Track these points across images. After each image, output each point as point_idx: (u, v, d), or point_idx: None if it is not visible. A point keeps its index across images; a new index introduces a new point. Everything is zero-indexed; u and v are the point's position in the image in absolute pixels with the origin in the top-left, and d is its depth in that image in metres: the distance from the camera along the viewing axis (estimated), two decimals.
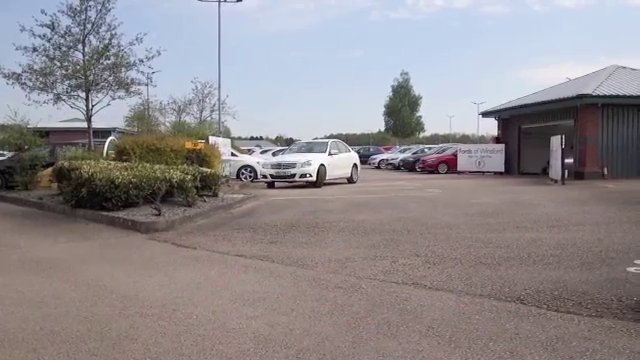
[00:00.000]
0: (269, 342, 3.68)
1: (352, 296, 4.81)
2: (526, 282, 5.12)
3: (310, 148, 20.70)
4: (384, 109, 79.41)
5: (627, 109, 21.79)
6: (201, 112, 47.82)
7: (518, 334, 3.77)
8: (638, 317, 4.07)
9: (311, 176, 18.23)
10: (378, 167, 38.88)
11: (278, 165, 18.91)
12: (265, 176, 18.93)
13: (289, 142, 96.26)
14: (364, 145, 63.83)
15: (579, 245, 6.92)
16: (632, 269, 5.55)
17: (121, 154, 14.58)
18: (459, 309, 4.39)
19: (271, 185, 18.82)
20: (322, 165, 18.58)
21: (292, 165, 18.42)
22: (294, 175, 18.28)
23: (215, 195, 12.55)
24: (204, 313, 4.35)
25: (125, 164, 11.97)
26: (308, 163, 18.40)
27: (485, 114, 30.94)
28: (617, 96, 21.48)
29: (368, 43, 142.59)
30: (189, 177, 10.99)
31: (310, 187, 17.79)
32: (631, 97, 21.59)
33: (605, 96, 21.35)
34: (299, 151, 20.40)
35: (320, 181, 18.30)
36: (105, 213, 9.61)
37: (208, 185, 12.40)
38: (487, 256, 6.36)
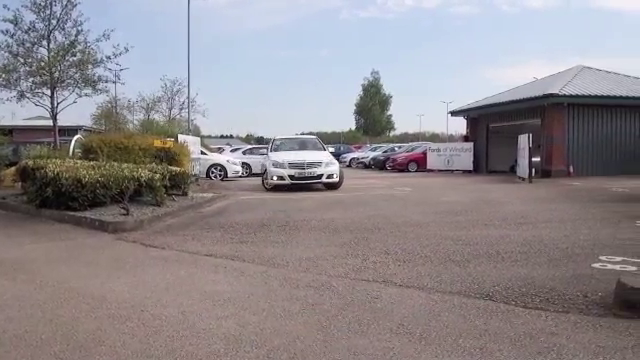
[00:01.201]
0: (240, 342, 3.65)
1: (323, 295, 4.80)
2: (495, 279, 5.18)
3: (303, 145, 18.47)
4: (355, 108, 79.84)
5: (592, 109, 22.26)
6: (170, 110, 47.31)
7: (487, 330, 3.81)
8: (603, 312, 4.14)
9: (335, 177, 16.07)
10: (349, 166, 38.98)
11: (300, 165, 15.71)
12: (281, 177, 15.69)
13: (259, 140, 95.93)
14: (335, 144, 63.94)
15: (546, 242, 7.03)
16: (597, 265, 5.66)
17: (88, 153, 14.31)
18: (429, 306, 4.41)
19: (277, 188, 15.84)
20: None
21: (317, 164, 15.84)
22: (321, 176, 15.75)
23: (184, 194, 12.42)
24: (173, 314, 4.30)
25: (92, 163, 11.76)
26: (332, 162, 16.34)
27: (454, 113, 31.30)
28: (582, 96, 21.92)
29: (338, 42, 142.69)
30: (158, 176, 10.85)
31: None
32: (596, 97, 22.05)
33: (571, 96, 21.77)
34: (292, 148, 17.68)
35: (341, 182, 16.31)
36: (71, 213, 9.43)
37: (177, 184, 12.28)
38: (456, 253, 6.42)
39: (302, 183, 15.60)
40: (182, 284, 5.31)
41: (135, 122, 43.53)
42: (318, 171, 15.67)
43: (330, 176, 15.84)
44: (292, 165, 15.72)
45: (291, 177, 15.54)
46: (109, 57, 17.16)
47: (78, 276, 5.68)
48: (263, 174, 18.25)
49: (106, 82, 18.32)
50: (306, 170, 15.60)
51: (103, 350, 3.56)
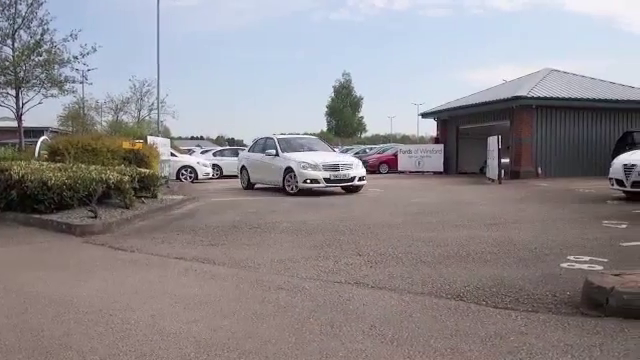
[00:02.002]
0: (210, 346, 3.60)
1: (295, 297, 4.78)
2: (465, 279, 5.22)
3: (311, 145, 17.32)
4: (326, 109, 79.93)
5: (559, 111, 22.68)
6: (139, 111, 46.91)
7: (458, 331, 3.83)
8: (571, 311, 4.20)
9: (365, 179, 15.54)
10: None
11: (335, 166, 14.88)
12: (314, 180, 14.59)
13: (231, 142, 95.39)
14: None
15: (516, 242, 7.11)
16: (565, 265, 5.74)
17: (54, 155, 14.06)
18: (401, 307, 4.42)
19: (303, 191, 14.72)
20: None
21: (349, 166, 15.15)
22: (353, 178, 14.95)
23: (154, 196, 12.27)
24: (143, 318, 4.22)
25: (59, 165, 11.55)
26: (359, 164, 15.74)
27: (425, 115, 31.57)
28: (550, 98, 22.34)
29: (310, 44, 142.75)
30: (127, 178, 10.69)
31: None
32: (563, 99, 22.49)
33: (539, 98, 22.16)
34: (303, 149, 16.48)
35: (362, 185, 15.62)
36: (37, 216, 9.23)
37: (147, 186, 12.12)
38: (427, 254, 6.45)
39: (336, 186, 15.02)
40: (152, 287, 5.23)
41: (103, 123, 43.08)
42: (351, 173, 14.98)
43: (361, 178, 15.25)
44: (326, 167, 14.78)
45: (326, 180, 14.59)
46: (76, 57, 16.96)
47: (44, 280, 5.56)
48: (240, 174, 17.98)
49: (73, 82, 18.10)
50: (340, 172, 14.84)
51: (70, 355, 3.47)
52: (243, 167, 18.00)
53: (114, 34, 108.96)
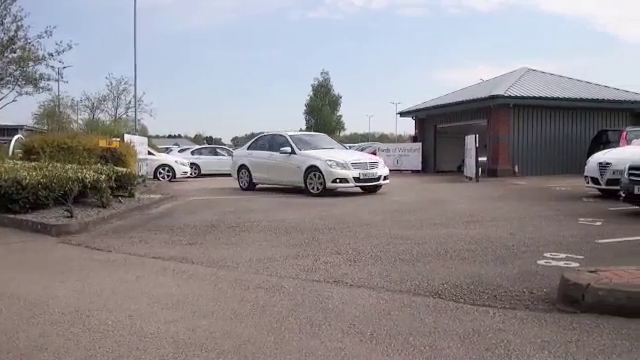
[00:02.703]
0: (189, 346, 3.57)
1: (274, 296, 4.77)
2: (443, 277, 5.25)
3: (325, 142, 16.59)
4: (305, 108, 79.73)
5: (536, 110, 22.99)
6: (116, 109, 46.49)
7: (437, 328, 3.85)
8: (548, 308, 4.25)
9: (389, 179, 14.98)
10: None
11: (364, 165, 14.31)
12: (343, 179, 13.86)
13: (209, 140, 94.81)
14: None
15: (493, 240, 7.18)
16: (542, 262, 5.81)
17: (29, 153, 13.87)
18: (379, 305, 4.43)
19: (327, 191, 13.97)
20: None
21: (376, 164, 14.61)
22: (380, 177, 14.42)
23: (131, 195, 12.15)
24: (120, 318, 4.18)
25: (34, 164, 11.38)
26: (383, 162, 15.19)
27: (403, 114, 31.75)
28: (527, 97, 22.63)
29: (288, 42, 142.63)
30: (103, 177, 10.57)
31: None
32: (540, 98, 22.79)
33: (516, 97, 22.42)
34: (318, 146, 15.65)
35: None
36: (11, 216, 9.06)
37: (124, 185, 12.00)
38: (406, 252, 6.48)
39: (365, 185, 14.34)
40: (129, 288, 5.17)
41: (80, 122, 42.56)
42: (378, 172, 14.41)
43: (386, 177, 14.66)
44: (356, 165, 14.10)
45: (356, 179, 13.92)
46: (51, 54, 16.77)
47: (19, 281, 5.46)
48: (238, 173, 16.86)
49: (48, 80, 17.83)
50: (369, 171, 14.24)
51: (46, 357, 3.42)
52: (242, 166, 16.79)
53: (91, 32, 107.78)
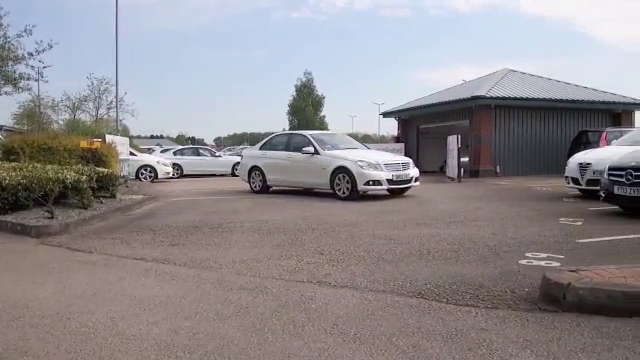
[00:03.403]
0: (172, 347, 3.55)
1: (257, 297, 4.75)
2: (426, 277, 5.27)
3: (344, 143, 15.30)
4: (288, 108, 79.65)
5: (517, 110, 23.20)
6: (97, 110, 46.01)
7: (420, 328, 3.86)
8: (530, 307, 4.29)
9: (418, 181, 14.09)
10: None
11: (396, 166, 13.38)
12: (376, 182, 12.86)
13: (192, 141, 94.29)
14: None
15: (475, 240, 7.22)
16: (524, 262, 5.86)
17: (9, 154, 13.70)
18: (363, 306, 4.44)
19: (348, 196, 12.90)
20: None
21: (407, 165, 13.71)
22: (411, 179, 13.56)
23: (113, 196, 12.06)
24: (102, 320, 4.13)
25: (13, 164, 11.24)
26: (412, 163, 14.21)
27: (386, 114, 31.86)
28: (508, 98, 22.82)
29: (271, 42, 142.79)
30: (84, 178, 10.46)
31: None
32: (521, 99, 23.00)
33: (498, 98, 22.61)
34: (336, 146, 14.52)
35: None
36: None
37: (105, 186, 11.90)
38: (389, 252, 6.50)
39: (398, 188, 13.48)
40: (111, 289, 5.12)
41: (60, 122, 42.08)
42: (410, 173, 13.53)
43: (417, 179, 13.80)
44: (388, 166, 13.15)
45: (389, 181, 12.96)
46: (31, 54, 16.53)
47: None
48: (249, 175, 15.74)
49: (28, 80, 17.59)
50: (402, 172, 13.30)
51: None
52: (254, 167, 15.67)
53: (72, 31, 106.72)
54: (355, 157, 13.27)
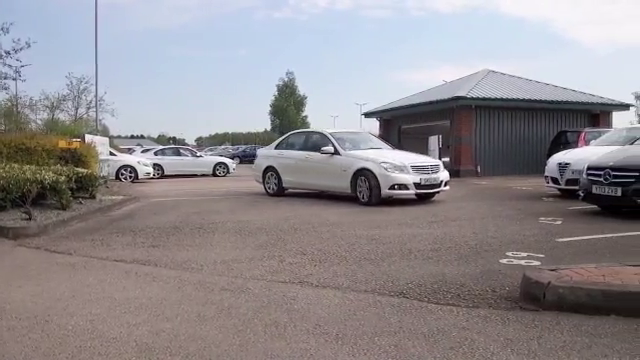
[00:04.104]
0: (153, 350, 3.51)
1: (239, 298, 4.73)
2: (408, 276, 5.28)
3: (367, 142, 14.03)
4: (270, 108, 79.62)
5: (498, 111, 23.40)
6: (77, 109, 45.57)
7: (402, 327, 3.87)
8: (510, 306, 4.32)
9: (448, 184, 12.72)
10: None
11: (425, 168, 12.08)
12: (402, 186, 11.63)
13: (173, 141, 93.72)
14: (250, 144, 63.72)
15: (456, 239, 7.26)
16: (504, 261, 5.90)
17: None
18: (345, 306, 4.44)
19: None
20: None
21: (437, 167, 12.45)
22: (441, 183, 12.24)
23: (92, 197, 11.94)
24: (81, 323, 4.08)
25: None
26: (442, 165, 12.99)
27: (367, 115, 31.93)
28: (489, 98, 23.02)
29: (253, 42, 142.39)
30: (63, 178, 10.34)
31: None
32: (501, 100, 23.21)
33: (478, 98, 22.79)
34: (358, 146, 13.33)
35: None
36: None
37: (84, 186, 11.78)
38: (371, 252, 6.51)
39: (425, 192, 12.11)
40: (90, 291, 5.06)
41: (38, 122, 41.53)
42: (440, 177, 12.23)
43: (446, 183, 12.48)
44: (416, 168, 11.91)
45: (417, 185, 11.68)
46: (8, 52, 16.29)
47: None
48: (264, 176, 14.65)
49: (5, 79, 17.34)
50: (431, 175, 12.01)
51: None
52: (269, 168, 14.59)
53: (51, 30, 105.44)
54: (379, 158, 12.14)
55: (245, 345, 3.58)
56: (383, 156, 12.35)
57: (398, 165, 11.79)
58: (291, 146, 14.59)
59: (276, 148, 15.11)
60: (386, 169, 11.64)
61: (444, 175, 12.40)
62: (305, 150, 13.87)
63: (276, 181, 14.32)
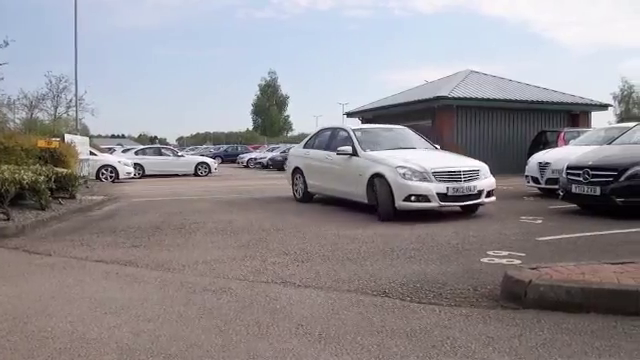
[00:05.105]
0: (134, 351, 3.48)
1: (221, 298, 4.70)
2: (390, 276, 5.30)
3: (400, 140, 11.45)
4: (252, 108, 79.40)
5: (479, 111, 23.58)
6: (56, 108, 45.09)
7: (384, 327, 3.88)
8: (492, 304, 4.35)
9: (493, 194, 9.99)
10: (247, 166, 38.91)
11: (455, 175, 9.34)
12: (422, 197, 9.08)
13: (153, 140, 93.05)
14: (232, 144, 63.47)
15: (438, 239, 7.30)
16: (485, 260, 5.94)
17: None
18: (328, 305, 4.43)
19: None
20: None
21: (474, 173, 9.61)
22: (480, 193, 9.50)
23: (72, 197, 11.81)
24: (60, 324, 4.03)
25: None
26: (487, 170, 9.97)
27: (350, 114, 31.95)
28: (470, 98, 23.18)
29: (235, 41, 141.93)
30: (42, 178, 10.19)
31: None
32: (482, 100, 23.39)
33: (459, 98, 22.94)
34: (385, 145, 10.80)
35: None
36: None
37: (64, 186, 11.64)
38: (353, 252, 6.52)
39: (455, 205, 9.70)
40: (70, 292, 5.00)
41: (17, 121, 41.02)
42: (478, 185, 9.48)
43: (490, 193, 9.76)
44: (440, 176, 9.26)
45: (442, 196, 9.12)
46: None
47: None
48: (293, 178, 12.83)
49: None
50: (463, 184, 9.30)
51: None
52: (297, 170, 12.67)
53: (29, 29, 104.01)
54: (397, 161, 9.59)
55: (227, 346, 3.56)
56: (405, 158, 9.76)
57: (417, 170, 9.26)
58: (318, 145, 12.40)
59: (304, 147, 13.01)
60: (403, 175, 9.20)
61: (485, 183, 9.67)
62: (327, 150, 11.71)
63: (303, 185, 12.40)
